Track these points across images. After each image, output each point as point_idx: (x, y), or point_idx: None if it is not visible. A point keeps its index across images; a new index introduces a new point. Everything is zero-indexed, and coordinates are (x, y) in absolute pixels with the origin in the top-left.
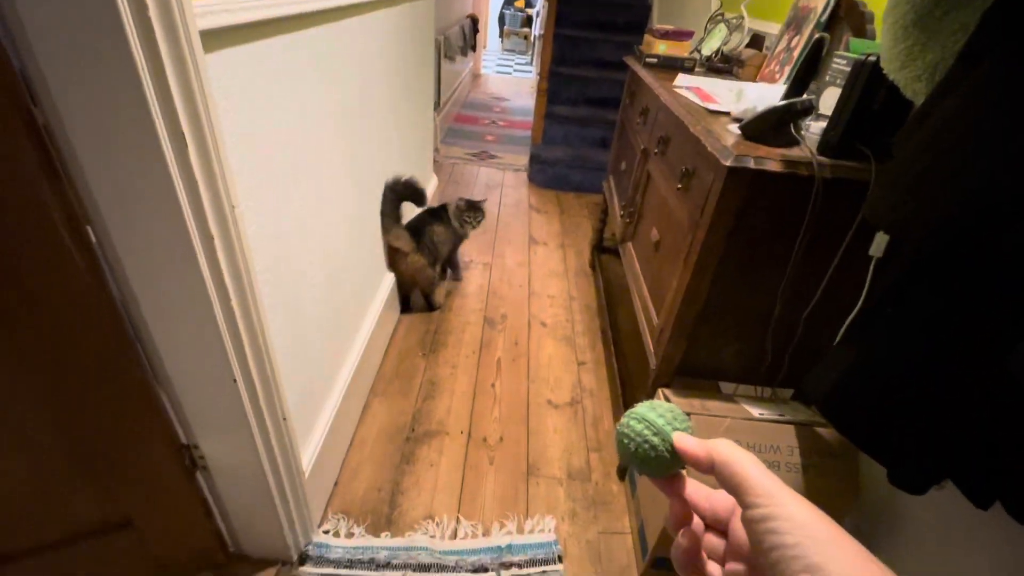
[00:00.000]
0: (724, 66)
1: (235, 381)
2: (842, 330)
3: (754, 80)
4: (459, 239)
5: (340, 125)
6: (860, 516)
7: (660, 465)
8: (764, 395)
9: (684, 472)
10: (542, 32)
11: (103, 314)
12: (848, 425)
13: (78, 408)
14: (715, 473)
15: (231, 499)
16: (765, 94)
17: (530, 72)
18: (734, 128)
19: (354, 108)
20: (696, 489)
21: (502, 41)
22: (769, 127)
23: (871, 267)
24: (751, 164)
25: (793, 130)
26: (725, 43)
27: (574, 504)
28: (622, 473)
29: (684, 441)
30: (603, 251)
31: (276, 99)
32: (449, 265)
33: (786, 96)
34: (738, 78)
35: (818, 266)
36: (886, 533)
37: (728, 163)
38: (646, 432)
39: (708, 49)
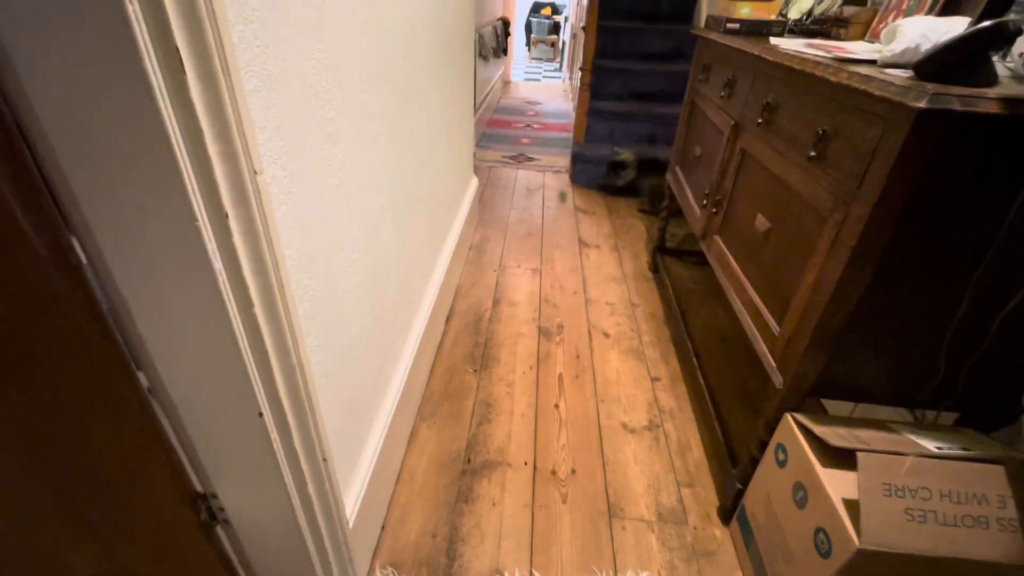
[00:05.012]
0: (819, 28)
1: (261, 415)
2: None
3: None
4: None
5: (385, 92)
6: None
7: None
8: (909, 421)
9: None
10: (574, 33)
11: (83, 324)
12: None
13: (58, 445)
14: None
15: (259, 558)
16: (934, 27)
17: (559, 77)
18: (896, 72)
19: (400, 71)
20: None
21: (529, 50)
22: (959, 61)
23: None
24: (955, 105)
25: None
26: (819, 2)
27: (671, 555)
28: (727, 515)
29: None
30: (665, 252)
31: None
32: None
33: (974, 25)
34: (840, 39)
35: None
36: None
37: (921, 104)
38: None
39: (797, 12)
